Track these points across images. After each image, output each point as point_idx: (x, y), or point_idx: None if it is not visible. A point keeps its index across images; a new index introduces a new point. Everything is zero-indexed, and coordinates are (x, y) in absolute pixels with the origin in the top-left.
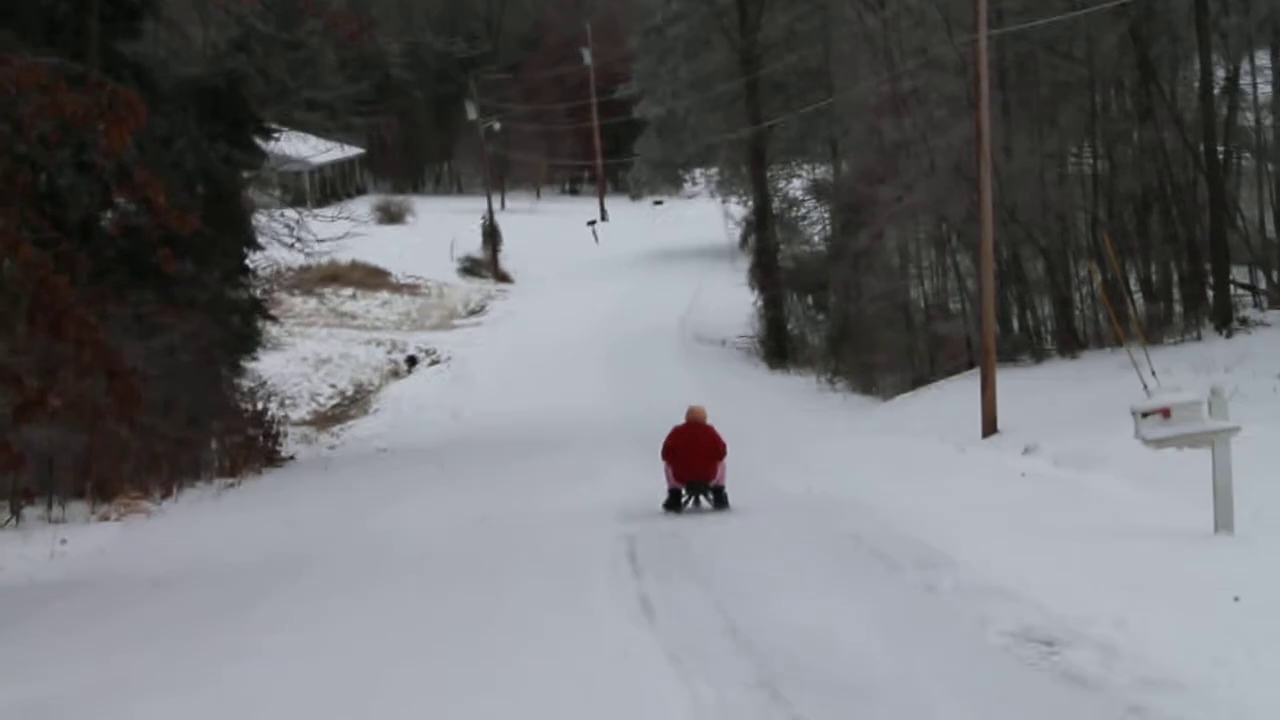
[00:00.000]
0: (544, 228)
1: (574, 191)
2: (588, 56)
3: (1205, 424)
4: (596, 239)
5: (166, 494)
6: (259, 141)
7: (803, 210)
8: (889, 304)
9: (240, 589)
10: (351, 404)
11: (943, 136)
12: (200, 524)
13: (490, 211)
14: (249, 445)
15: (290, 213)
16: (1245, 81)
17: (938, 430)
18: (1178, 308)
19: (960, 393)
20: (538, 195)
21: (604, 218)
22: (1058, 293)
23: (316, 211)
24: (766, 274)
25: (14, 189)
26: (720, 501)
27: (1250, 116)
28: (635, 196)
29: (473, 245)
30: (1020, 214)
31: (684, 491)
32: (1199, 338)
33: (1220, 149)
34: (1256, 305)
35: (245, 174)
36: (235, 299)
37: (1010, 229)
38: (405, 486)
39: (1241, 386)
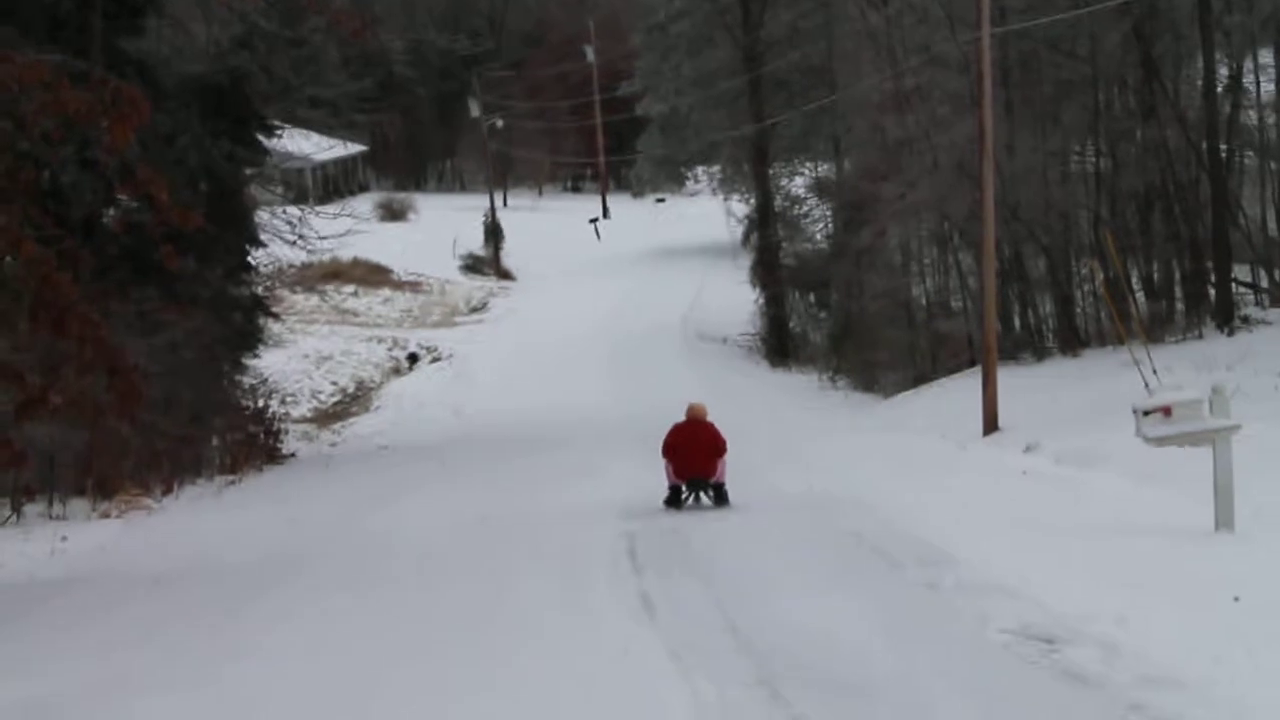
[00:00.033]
0: (546, 225)
1: (576, 189)
2: (590, 54)
3: (1206, 422)
4: (599, 236)
5: (167, 491)
6: (262, 138)
7: (805, 208)
8: (891, 302)
9: (241, 587)
10: (353, 401)
11: (945, 134)
12: (201, 521)
13: (492, 209)
14: (250, 442)
15: (292, 210)
16: (1248, 80)
17: (939, 428)
18: (1179, 306)
19: (962, 391)
20: (540, 193)
21: (606, 215)
22: (1059, 291)
23: (319, 209)
24: (768, 272)
25: (17, 186)
26: (720, 498)
27: (1253, 115)
28: (638, 194)
29: (475, 243)
30: (1023, 212)
31: (684, 488)
32: (1200, 336)
33: (1223, 147)
34: (1258, 303)
35: (248, 171)
36: (237, 296)
37: (1012, 227)
38: (406, 484)
39: (1243, 385)
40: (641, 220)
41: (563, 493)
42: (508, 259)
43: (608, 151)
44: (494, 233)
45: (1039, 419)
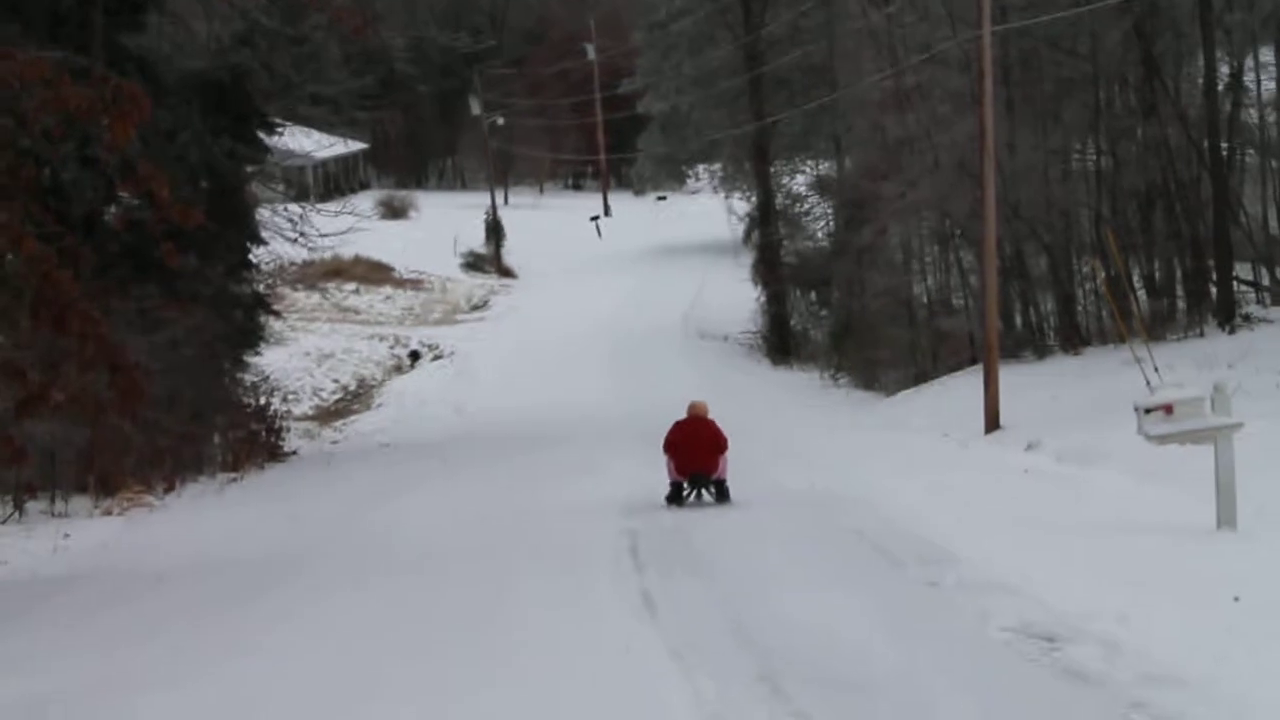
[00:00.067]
0: (547, 223)
1: (577, 187)
2: (592, 52)
3: (1208, 420)
4: (600, 234)
5: (169, 488)
6: (263, 136)
7: (806, 206)
8: (892, 300)
9: (243, 584)
10: (354, 399)
11: (946, 133)
12: (203, 519)
13: (494, 207)
14: (252, 440)
15: (294, 207)
16: (1249, 78)
17: (940, 426)
18: (1181, 304)
19: (963, 389)
20: (541, 190)
21: (607, 213)
22: (1061, 289)
23: (320, 206)
24: (769, 270)
25: (18, 183)
26: (722, 495)
27: (1254, 113)
28: (639, 192)
29: (476, 240)
30: (1024, 210)
31: (686, 485)
32: (1202, 334)
33: (1224, 145)
34: (1259, 301)
35: (249, 168)
36: (238, 294)
37: (1013, 225)
38: (408, 482)
39: (1244, 383)
40: (642, 218)
41: (564, 490)
42: (509, 257)
43: (609, 149)
44: (495, 230)
45: (1040, 417)
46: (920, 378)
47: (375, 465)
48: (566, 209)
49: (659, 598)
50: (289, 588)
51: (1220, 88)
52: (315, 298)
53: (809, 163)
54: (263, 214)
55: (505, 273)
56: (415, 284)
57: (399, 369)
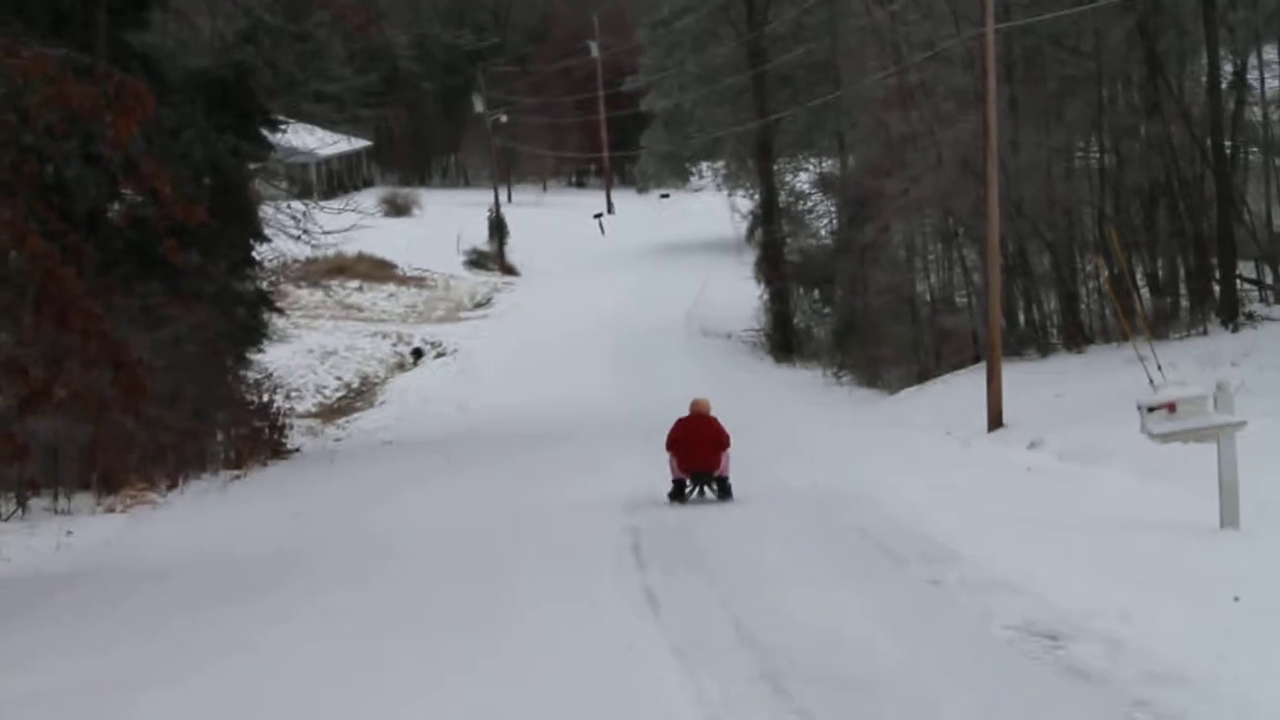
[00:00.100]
0: (550, 220)
1: (581, 184)
2: (595, 49)
3: (1211, 419)
4: (603, 232)
5: (172, 486)
6: (266, 133)
7: (809, 204)
8: (895, 298)
9: (244, 581)
10: (357, 396)
11: (950, 130)
12: (206, 516)
13: (497, 204)
14: (254, 437)
15: (297, 205)
16: (1252, 75)
17: (943, 424)
18: (1184, 302)
19: (966, 387)
20: (544, 188)
21: (610, 211)
22: (1064, 287)
23: (323, 203)
24: (773, 267)
25: (21, 180)
26: (724, 492)
27: (1257, 111)
28: (642, 189)
29: (479, 238)
30: (1027, 208)
31: (688, 482)
32: (1205, 332)
33: (1227, 144)
34: (1263, 300)
35: (252, 166)
36: (241, 291)
37: (1017, 223)
38: (410, 479)
39: (1247, 381)
40: (646, 216)
41: (567, 488)
42: (512, 254)
43: (612, 147)
44: (498, 228)
45: (1043, 415)
46: (923, 376)
47: (378, 463)
48: (570, 206)
49: (661, 596)
50: (290, 585)
51: (1224, 86)
52: (318, 295)
53: (812, 160)
54: (266, 211)
55: (508, 270)
56: (418, 281)
57: (402, 366)
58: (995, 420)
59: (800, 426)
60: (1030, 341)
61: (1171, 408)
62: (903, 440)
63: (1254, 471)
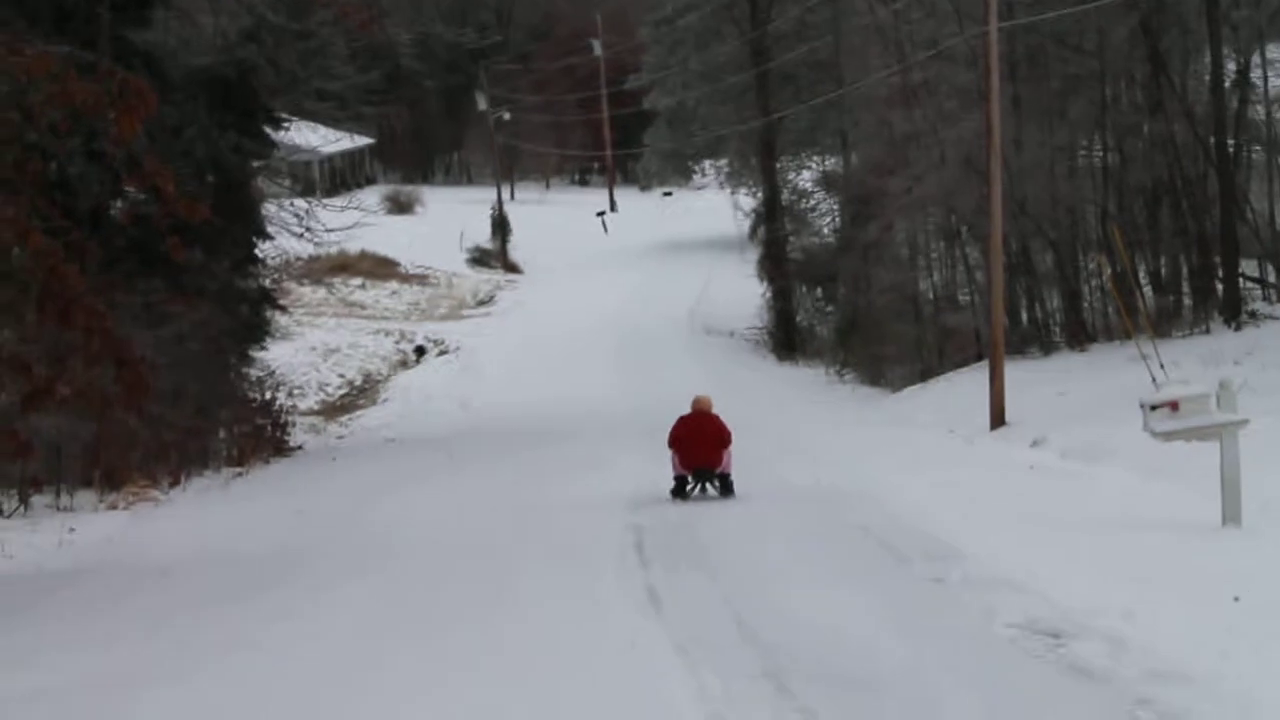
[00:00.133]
0: (553, 218)
1: (583, 182)
2: (598, 47)
3: (1213, 417)
4: (606, 230)
5: (174, 483)
6: (269, 131)
7: (812, 202)
8: (898, 296)
9: (246, 579)
10: (360, 394)
11: (953, 129)
12: (208, 513)
13: (499, 202)
14: (257, 435)
15: (300, 202)
16: (1256, 74)
17: (946, 422)
18: (1187, 301)
19: (969, 385)
20: (547, 186)
21: (613, 208)
22: (1067, 285)
23: (326, 201)
24: (775, 266)
25: (24, 177)
26: (726, 488)
27: (1261, 110)
28: (645, 187)
29: (482, 236)
30: (1030, 206)
31: (690, 478)
32: (1208, 331)
33: (1230, 142)
34: (1266, 298)
35: (255, 163)
36: (244, 288)
37: (1020, 221)
38: (413, 476)
39: (1250, 379)
40: (648, 214)
41: (569, 485)
42: (515, 252)
43: (615, 145)
44: (501, 226)
45: (1046, 413)
46: (926, 374)
47: (380, 460)
48: (572, 204)
49: (664, 593)
50: (293, 583)
51: (1227, 84)
52: (321, 293)
53: (815, 158)
54: (269, 209)
55: (511, 268)
56: (421, 279)
57: (405, 364)
58: (998, 418)
59: (803, 424)
60: (1033, 340)
61: (1174, 406)
62: (905, 438)
63: (1256, 470)
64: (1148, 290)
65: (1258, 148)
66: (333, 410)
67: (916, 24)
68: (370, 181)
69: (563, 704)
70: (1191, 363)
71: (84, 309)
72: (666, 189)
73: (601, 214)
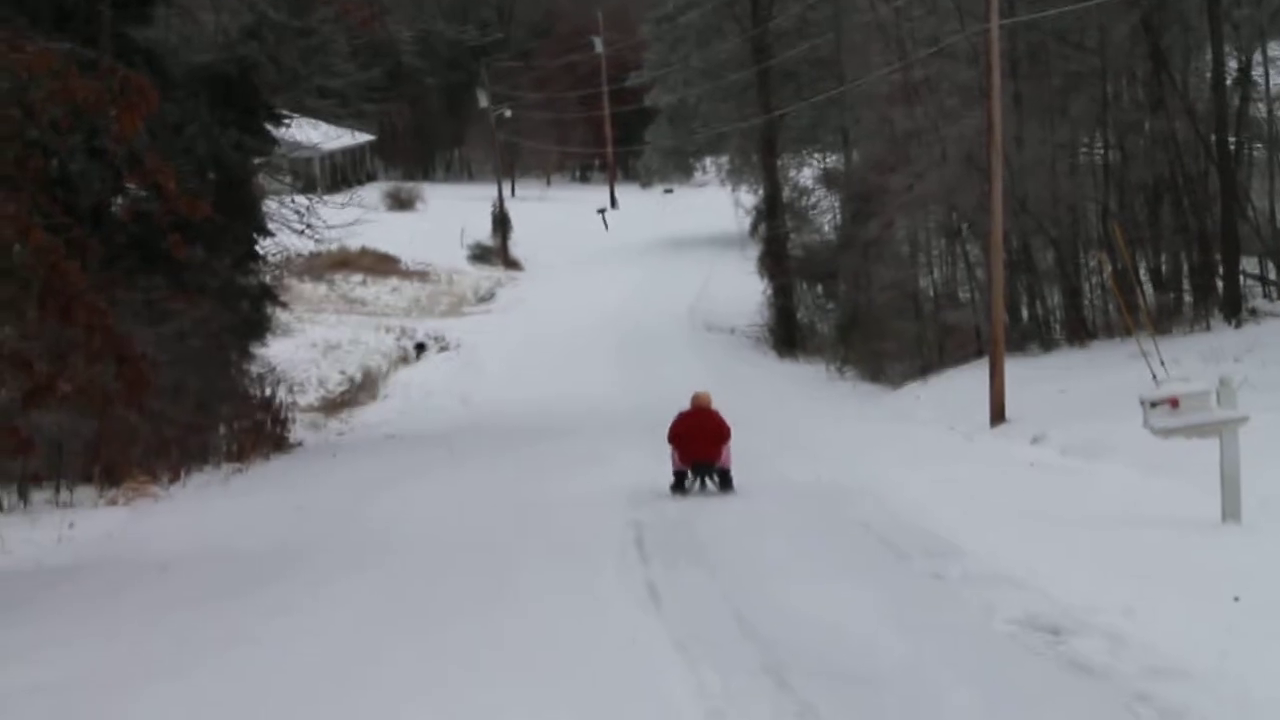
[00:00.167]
0: (554, 215)
1: (584, 179)
2: (599, 44)
3: (1213, 414)
4: (607, 226)
5: (175, 479)
6: (270, 128)
7: (813, 199)
8: (898, 293)
9: (246, 574)
10: (360, 390)
11: (954, 126)
12: (207, 509)
13: (500, 198)
14: (257, 431)
15: (301, 199)
16: (1257, 72)
17: (946, 419)
18: (1187, 298)
19: (969, 381)
20: (548, 182)
21: (614, 205)
22: (1067, 282)
23: (327, 198)
24: (776, 262)
25: (25, 174)
26: (725, 484)
27: (1262, 107)
28: (646, 184)
29: (483, 232)
30: (1031, 204)
31: (690, 473)
32: (1208, 328)
33: (1232, 140)
34: (1266, 296)
35: (256, 160)
36: (245, 285)
37: (1021, 219)
38: (413, 473)
39: (1250, 376)
40: (649, 210)
41: (570, 481)
42: (515, 249)
43: (616, 142)
44: (502, 222)
45: (1046, 410)
46: (926, 370)
47: (380, 456)
48: (573, 201)
49: (664, 589)
50: (293, 578)
51: (1228, 82)
52: (322, 289)
53: (816, 156)
54: (270, 206)
55: (512, 265)
56: (422, 275)
57: (405, 360)
58: (998, 415)
59: (803, 421)
60: (1033, 337)
61: (1174, 403)
62: (905, 435)
63: (1256, 466)
64: (1148, 287)
65: (1259, 145)
66: (333, 406)
67: (918, 21)
68: (371, 178)
69: (563, 699)
70: (1192, 360)
71: (85, 306)
72: (667, 186)
73: (602, 211)
